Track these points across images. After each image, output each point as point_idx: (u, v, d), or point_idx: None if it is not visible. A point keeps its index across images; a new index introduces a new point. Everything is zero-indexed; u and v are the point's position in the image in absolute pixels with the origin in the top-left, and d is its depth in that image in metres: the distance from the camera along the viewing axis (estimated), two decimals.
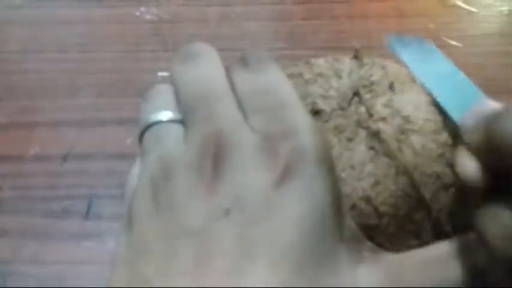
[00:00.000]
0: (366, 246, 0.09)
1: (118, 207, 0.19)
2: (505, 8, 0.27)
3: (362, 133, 0.11)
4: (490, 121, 0.09)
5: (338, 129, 0.11)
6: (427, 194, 0.10)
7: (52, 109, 0.23)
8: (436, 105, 0.11)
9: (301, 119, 0.09)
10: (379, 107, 0.11)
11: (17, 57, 0.25)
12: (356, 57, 0.13)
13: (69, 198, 0.19)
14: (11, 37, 0.26)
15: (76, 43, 0.25)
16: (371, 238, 0.10)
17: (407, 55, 0.12)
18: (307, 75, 0.12)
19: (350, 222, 0.09)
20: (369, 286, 0.08)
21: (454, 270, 0.09)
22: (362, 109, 0.11)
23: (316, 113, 0.11)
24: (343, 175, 0.10)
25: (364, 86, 0.12)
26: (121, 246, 0.09)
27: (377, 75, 0.12)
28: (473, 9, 0.26)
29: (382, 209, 0.10)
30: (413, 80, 0.12)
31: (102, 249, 0.18)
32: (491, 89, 0.23)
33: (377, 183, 0.10)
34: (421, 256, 0.09)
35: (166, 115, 0.10)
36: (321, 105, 0.11)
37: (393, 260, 0.09)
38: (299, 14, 0.26)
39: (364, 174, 0.10)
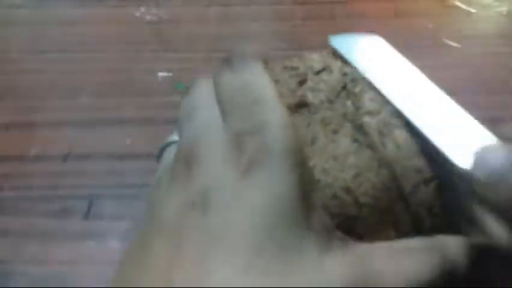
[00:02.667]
0: (336, 236, 0.09)
1: (119, 207, 0.19)
2: (503, 9, 0.27)
3: (348, 126, 0.11)
4: (505, 178, 0.09)
5: (325, 122, 0.11)
6: (407, 187, 0.10)
7: (52, 109, 0.23)
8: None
9: (272, 114, 0.10)
10: (365, 101, 0.11)
11: (17, 57, 0.25)
12: None
13: (69, 198, 0.19)
14: (11, 37, 0.26)
15: (76, 43, 0.25)
16: (351, 228, 0.10)
17: (352, 54, 0.12)
18: (299, 69, 0.12)
19: (321, 214, 0.10)
20: (336, 273, 0.09)
21: (419, 265, 0.09)
22: (349, 103, 0.11)
23: (305, 105, 0.11)
24: (326, 166, 0.10)
25: (353, 80, 0.12)
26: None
27: (360, 73, 0.12)
28: (472, 10, 0.26)
29: (362, 200, 0.10)
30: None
31: (102, 249, 0.18)
32: (489, 89, 0.23)
33: (358, 174, 0.10)
34: (389, 247, 0.09)
35: (172, 138, 0.12)
36: (310, 97, 0.11)
37: (361, 249, 0.09)
38: (299, 14, 0.26)
39: (346, 165, 0.10)
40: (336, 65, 0.13)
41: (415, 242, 0.09)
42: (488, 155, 0.09)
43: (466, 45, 0.24)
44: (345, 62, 0.13)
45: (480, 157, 0.09)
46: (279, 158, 0.09)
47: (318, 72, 0.12)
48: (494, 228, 0.09)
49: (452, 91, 0.11)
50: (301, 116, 0.11)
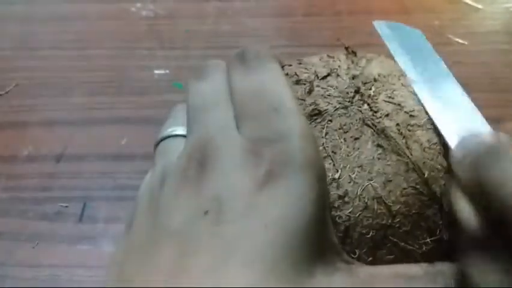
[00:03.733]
0: (342, 258, 0.09)
1: (113, 209, 0.19)
2: (511, 5, 0.26)
3: (368, 131, 0.11)
4: (479, 163, 0.09)
5: (343, 129, 0.11)
6: (437, 189, 0.10)
7: (45, 108, 0.22)
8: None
9: (292, 124, 0.09)
10: (381, 103, 0.11)
11: (9, 54, 0.24)
12: (350, 53, 0.13)
13: (63, 200, 0.19)
14: (4, 34, 0.25)
15: (70, 40, 0.25)
16: (384, 238, 0.10)
17: (395, 44, 0.12)
18: (303, 75, 0.12)
19: (331, 234, 0.09)
20: None
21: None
22: (365, 106, 0.11)
23: (318, 113, 0.11)
24: (352, 175, 0.10)
25: (364, 83, 0.11)
26: (117, 247, 0.10)
27: (375, 71, 0.12)
28: (479, 6, 0.26)
29: (394, 208, 0.10)
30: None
31: (96, 252, 0.17)
32: (496, 87, 0.23)
33: (387, 181, 0.10)
34: (391, 271, 0.09)
35: (174, 130, 0.11)
36: (323, 105, 0.11)
37: (365, 273, 0.09)
38: (300, 10, 0.26)
39: (374, 173, 0.10)
40: (342, 68, 0.12)
41: (417, 269, 0.09)
42: (469, 138, 0.09)
43: (472, 42, 0.24)
44: (352, 62, 0.12)
45: (462, 139, 0.09)
46: (299, 170, 0.09)
47: (324, 78, 0.11)
48: (462, 207, 0.09)
49: None
50: (317, 125, 0.11)
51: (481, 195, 0.08)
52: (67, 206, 0.19)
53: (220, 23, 0.25)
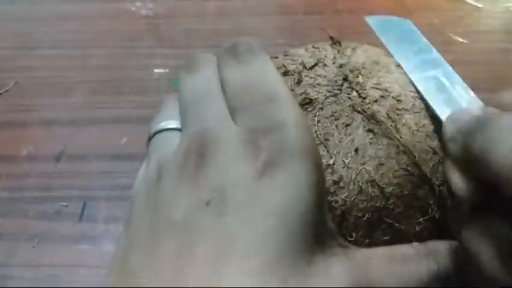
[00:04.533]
0: (339, 243, 0.09)
1: (113, 209, 0.18)
2: (511, 4, 0.26)
3: (358, 117, 0.11)
4: (467, 132, 0.09)
5: (334, 116, 0.11)
6: (427, 170, 0.10)
7: (45, 107, 0.22)
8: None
9: (288, 113, 0.10)
10: (369, 90, 0.11)
11: (8, 54, 0.24)
12: (335, 43, 0.13)
13: (63, 200, 0.19)
14: (3, 33, 0.25)
15: (70, 39, 0.25)
16: (379, 219, 0.10)
17: (386, 36, 0.12)
18: (291, 67, 0.12)
19: (329, 220, 0.10)
20: (340, 279, 0.09)
21: (414, 270, 0.09)
22: (354, 93, 0.11)
23: (309, 102, 0.11)
24: (346, 161, 0.10)
25: (351, 71, 0.12)
26: (118, 244, 0.10)
27: (361, 59, 0.12)
28: (479, 5, 0.26)
29: (388, 190, 0.10)
30: (396, 61, 0.12)
31: (96, 251, 0.17)
32: (496, 85, 0.23)
33: (380, 165, 0.10)
34: (386, 252, 0.10)
35: (168, 124, 0.11)
36: (313, 94, 0.11)
37: (361, 255, 0.09)
38: (301, 9, 0.26)
39: (366, 157, 0.10)
40: (328, 57, 0.12)
41: (410, 249, 0.09)
42: (459, 112, 0.09)
43: (473, 41, 0.24)
44: (338, 51, 0.13)
45: (452, 114, 0.09)
46: (297, 158, 0.09)
47: (311, 68, 0.12)
48: (456, 179, 0.09)
49: None
50: (309, 113, 0.11)
51: (472, 164, 0.09)
52: (67, 206, 0.19)
53: (220, 21, 0.25)
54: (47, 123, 0.21)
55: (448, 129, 0.10)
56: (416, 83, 0.11)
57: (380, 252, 0.09)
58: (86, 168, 0.20)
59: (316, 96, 0.11)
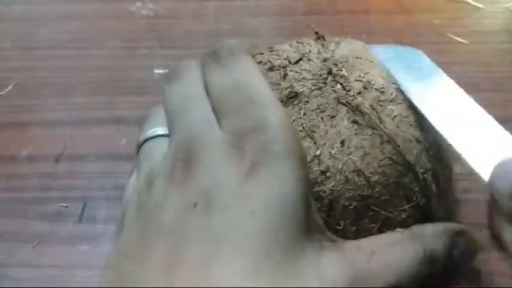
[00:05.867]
0: (327, 237, 0.10)
1: (113, 210, 0.18)
2: (511, 4, 0.26)
3: (343, 109, 0.11)
4: None
5: (320, 109, 0.11)
6: (411, 158, 0.11)
7: (45, 108, 0.22)
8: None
9: (270, 114, 0.10)
10: (353, 82, 0.12)
11: (8, 54, 0.24)
12: (319, 38, 0.13)
13: (63, 200, 0.19)
14: (3, 34, 0.25)
15: (69, 40, 0.25)
16: (366, 208, 0.10)
17: (399, 71, 0.12)
18: (276, 62, 0.12)
19: (315, 214, 0.10)
20: (331, 272, 0.09)
21: (401, 255, 0.09)
22: (338, 86, 0.12)
23: (295, 96, 0.11)
24: (332, 152, 0.11)
25: (335, 65, 0.12)
26: (110, 252, 0.10)
27: (344, 52, 0.13)
28: (480, 5, 0.26)
29: (373, 179, 0.10)
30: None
31: (96, 252, 0.17)
32: (497, 86, 0.23)
33: (365, 154, 0.11)
34: (373, 241, 0.10)
35: (155, 131, 0.11)
36: (298, 87, 0.12)
37: (350, 246, 0.10)
38: (300, 9, 0.26)
39: (352, 148, 0.11)
40: (312, 52, 0.13)
41: (396, 235, 0.10)
42: (506, 164, 0.09)
43: (473, 41, 0.24)
44: (322, 46, 0.13)
45: (502, 168, 0.09)
46: (281, 158, 0.09)
47: (296, 62, 0.12)
48: (509, 236, 0.09)
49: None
50: (295, 107, 0.11)
51: None
52: (66, 206, 0.19)
53: (220, 22, 0.25)
54: (47, 124, 0.21)
55: (501, 188, 0.09)
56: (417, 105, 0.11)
57: (367, 242, 0.10)
58: (86, 168, 0.20)
59: (301, 90, 0.11)
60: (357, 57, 0.12)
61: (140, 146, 0.12)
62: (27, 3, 0.26)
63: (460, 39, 0.24)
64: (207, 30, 0.25)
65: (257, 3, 0.26)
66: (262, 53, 0.13)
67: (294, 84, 0.11)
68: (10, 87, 0.23)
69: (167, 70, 0.23)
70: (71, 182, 0.19)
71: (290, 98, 0.11)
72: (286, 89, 0.11)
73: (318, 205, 0.10)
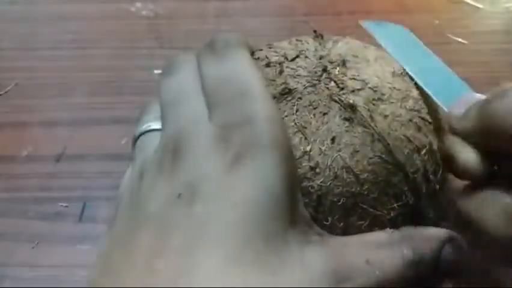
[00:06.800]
0: (315, 231, 0.10)
1: (113, 209, 0.18)
2: (511, 5, 0.26)
3: (335, 106, 0.11)
4: (483, 105, 0.09)
5: (312, 106, 0.11)
6: (401, 157, 0.11)
7: (45, 108, 0.22)
8: (406, 76, 0.12)
9: (259, 108, 0.10)
10: (347, 80, 0.12)
11: (9, 54, 0.24)
12: (318, 36, 0.13)
13: (63, 200, 0.19)
14: (3, 34, 0.25)
15: (70, 40, 0.25)
16: (354, 205, 0.10)
17: (385, 39, 0.13)
18: (273, 58, 0.12)
19: (302, 208, 0.10)
20: (315, 266, 0.09)
21: (388, 256, 0.09)
22: (332, 84, 0.12)
23: (288, 92, 0.11)
24: (322, 148, 0.11)
25: (331, 62, 0.12)
26: (103, 245, 0.10)
27: (341, 51, 0.13)
28: (479, 6, 0.26)
29: (362, 176, 0.10)
30: (376, 54, 0.13)
31: (96, 252, 0.17)
32: (496, 86, 0.23)
33: (355, 152, 0.11)
34: (360, 239, 0.10)
35: (150, 125, 0.11)
36: (293, 84, 0.12)
37: (336, 243, 0.10)
38: (301, 10, 0.26)
39: (342, 145, 0.11)
40: (310, 50, 0.13)
41: (384, 235, 0.10)
42: (467, 96, 0.10)
43: (473, 41, 0.24)
44: (320, 44, 0.13)
45: (463, 96, 0.10)
46: (266, 151, 0.09)
47: (293, 59, 0.12)
48: (467, 154, 0.09)
49: None
50: (288, 103, 0.11)
51: (490, 135, 0.09)
52: (66, 206, 0.19)
53: (220, 22, 0.25)
54: (47, 124, 0.21)
55: (457, 108, 0.10)
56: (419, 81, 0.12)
57: (355, 239, 0.10)
58: (86, 168, 0.20)
59: (295, 87, 0.11)
60: (353, 56, 0.12)
61: (135, 140, 0.12)
62: (27, 3, 0.26)
63: (460, 40, 0.24)
64: (207, 30, 0.25)
65: (257, 3, 0.26)
66: (261, 49, 0.13)
67: (289, 80, 0.11)
68: (10, 87, 0.23)
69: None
70: (71, 182, 0.19)
71: (284, 94, 0.11)
72: (281, 85, 0.11)
73: (307, 200, 0.10)
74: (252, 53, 0.13)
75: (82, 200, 0.19)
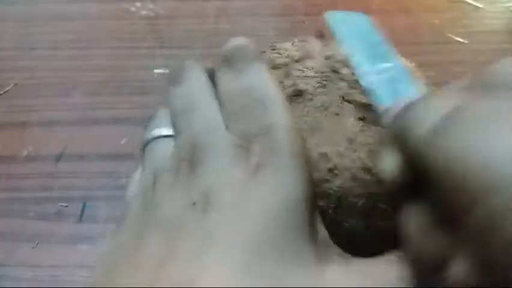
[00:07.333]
0: (335, 251, 0.09)
1: (113, 209, 0.18)
2: (511, 4, 0.26)
3: (348, 106, 0.11)
4: (396, 114, 0.09)
5: (324, 106, 0.11)
6: None
7: (45, 108, 0.22)
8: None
9: (278, 117, 0.10)
10: (357, 79, 0.11)
11: (9, 54, 0.24)
12: (320, 36, 0.13)
13: (63, 200, 0.19)
14: (3, 34, 0.25)
15: (70, 40, 0.25)
16: (374, 205, 0.10)
17: (342, 31, 0.12)
18: (279, 60, 0.12)
19: (321, 226, 0.10)
20: (338, 283, 0.09)
21: (404, 275, 0.09)
22: (342, 83, 0.11)
23: (299, 94, 0.11)
24: (340, 149, 0.10)
25: (338, 62, 0.12)
26: (104, 249, 0.10)
27: (344, 54, 0.12)
28: (480, 5, 0.26)
29: (381, 176, 0.10)
30: None
31: (96, 252, 0.17)
32: None
33: (372, 151, 0.10)
34: (386, 258, 0.09)
35: (160, 131, 0.11)
36: (302, 85, 0.11)
37: (358, 262, 0.09)
38: (301, 9, 0.26)
39: (358, 145, 0.11)
40: (315, 50, 0.12)
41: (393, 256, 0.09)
42: (400, 100, 0.09)
43: (473, 41, 0.24)
44: (324, 43, 0.13)
45: (394, 103, 0.09)
46: (286, 160, 0.09)
47: (299, 61, 0.12)
48: (385, 163, 0.09)
49: None
50: (299, 105, 0.11)
51: (397, 145, 0.09)
52: (66, 206, 0.19)
53: (220, 22, 0.25)
54: (47, 124, 0.21)
55: (385, 118, 0.10)
56: (364, 77, 0.11)
57: (380, 258, 0.09)
58: (86, 168, 0.20)
59: (305, 88, 0.11)
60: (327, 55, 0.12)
61: (145, 145, 0.12)
62: (27, 3, 0.26)
63: (460, 39, 0.24)
64: (207, 30, 0.25)
65: (257, 3, 0.26)
66: (264, 52, 0.13)
67: (298, 82, 0.11)
68: (10, 87, 0.23)
69: (167, 70, 0.23)
70: (71, 181, 0.19)
71: (294, 96, 0.11)
72: (290, 87, 0.11)
73: (325, 202, 0.10)
74: None
75: (82, 200, 0.19)
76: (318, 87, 0.11)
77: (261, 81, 0.11)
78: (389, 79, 0.11)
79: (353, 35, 0.12)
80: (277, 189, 0.09)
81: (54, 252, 0.17)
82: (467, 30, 0.24)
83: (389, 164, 0.09)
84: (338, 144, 0.10)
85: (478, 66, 0.22)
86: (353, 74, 0.11)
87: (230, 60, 0.11)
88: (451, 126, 0.07)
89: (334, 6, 0.26)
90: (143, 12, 0.26)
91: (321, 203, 0.10)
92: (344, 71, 0.12)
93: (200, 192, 0.09)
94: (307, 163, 0.10)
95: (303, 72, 0.12)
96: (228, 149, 0.10)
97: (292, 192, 0.09)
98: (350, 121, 0.11)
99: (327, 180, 0.10)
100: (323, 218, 0.10)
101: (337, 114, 0.11)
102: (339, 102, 0.11)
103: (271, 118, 0.10)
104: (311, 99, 0.11)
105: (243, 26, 0.25)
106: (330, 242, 0.09)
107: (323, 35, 0.13)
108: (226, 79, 0.11)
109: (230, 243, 0.08)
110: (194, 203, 0.09)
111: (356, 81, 0.11)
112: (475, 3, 0.26)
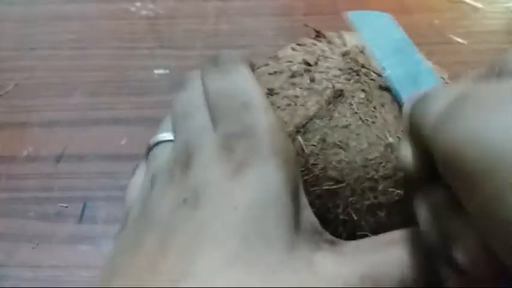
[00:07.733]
0: (325, 238, 0.10)
1: (113, 210, 0.18)
2: (511, 5, 0.26)
3: (387, 94, 0.11)
4: (411, 105, 0.09)
5: (368, 99, 0.11)
6: None
7: (45, 108, 0.22)
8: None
9: (260, 118, 0.10)
10: (378, 68, 0.12)
11: (8, 54, 0.24)
12: (320, 36, 0.13)
13: (63, 201, 0.19)
14: (3, 34, 0.25)
15: (69, 40, 0.25)
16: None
17: (366, 29, 0.13)
18: (294, 68, 0.12)
19: (309, 215, 0.10)
20: (330, 273, 0.09)
21: (400, 256, 0.09)
22: (372, 74, 0.11)
23: (340, 94, 0.11)
24: (399, 136, 0.10)
25: (356, 54, 0.12)
26: (110, 251, 0.11)
27: (354, 42, 0.12)
28: (479, 6, 0.26)
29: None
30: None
31: (96, 253, 0.17)
32: None
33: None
34: (375, 241, 0.10)
35: (164, 136, 0.12)
36: (338, 85, 0.11)
37: (348, 246, 0.10)
38: (300, 10, 0.26)
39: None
40: (325, 50, 0.12)
41: (398, 233, 0.10)
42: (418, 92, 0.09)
43: (473, 41, 0.24)
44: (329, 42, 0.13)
45: (420, 93, 0.09)
46: (266, 158, 0.10)
47: (316, 64, 0.12)
48: (404, 153, 0.09)
49: None
50: (344, 104, 0.11)
51: (413, 136, 0.09)
52: (66, 207, 0.19)
53: (220, 22, 0.25)
54: (47, 124, 0.21)
55: (404, 109, 0.10)
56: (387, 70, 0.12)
57: (368, 241, 0.10)
58: (86, 168, 0.20)
59: (344, 87, 0.11)
60: (365, 46, 0.12)
61: (150, 149, 0.12)
62: (27, 3, 0.26)
63: (459, 40, 0.24)
64: (207, 30, 0.25)
65: (257, 3, 0.26)
66: (267, 64, 0.13)
67: (331, 83, 0.11)
68: (10, 87, 0.23)
69: (167, 70, 0.23)
70: (71, 182, 0.19)
71: (337, 98, 0.11)
72: (325, 90, 0.11)
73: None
74: (264, 66, 0.13)
75: (82, 200, 0.19)
76: (354, 82, 0.11)
77: (244, 84, 0.11)
78: (411, 74, 0.11)
79: (375, 31, 0.13)
80: (258, 183, 0.09)
81: (54, 253, 0.17)
82: (467, 30, 0.24)
83: (407, 154, 0.09)
84: (396, 131, 0.10)
85: (478, 66, 0.22)
86: (376, 65, 0.11)
87: (216, 62, 0.12)
88: (454, 111, 0.07)
89: (334, 6, 0.26)
90: (143, 12, 0.26)
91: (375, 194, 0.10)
92: (366, 62, 0.12)
93: (190, 190, 0.10)
94: (289, 157, 0.10)
95: (328, 73, 0.12)
96: (214, 150, 0.10)
97: (273, 187, 0.09)
98: (395, 108, 0.11)
99: (394, 175, 0.10)
100: (356, 208, 0.10)
101: (382, 104, 0.11)
102: (378, 92, 0.11)
103: (254, 119, 0.10)
104: (353, 96, 0.11)
105: (243, 26, 0.25)
106: (320, 228, 0.10)
107: (323, 34, 0.13)
108: (211, 80, 0.12)
109: (218, 235, 0.09)
110: (184, 201, 0.09)
111: (378, 69, 0.11)
112: (475, 4, 0.26)
